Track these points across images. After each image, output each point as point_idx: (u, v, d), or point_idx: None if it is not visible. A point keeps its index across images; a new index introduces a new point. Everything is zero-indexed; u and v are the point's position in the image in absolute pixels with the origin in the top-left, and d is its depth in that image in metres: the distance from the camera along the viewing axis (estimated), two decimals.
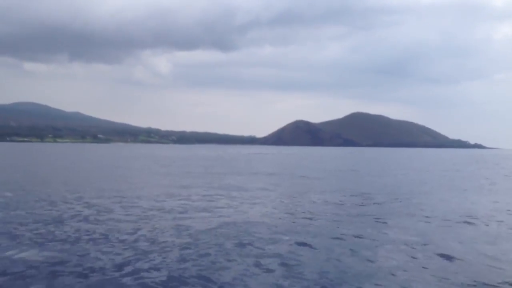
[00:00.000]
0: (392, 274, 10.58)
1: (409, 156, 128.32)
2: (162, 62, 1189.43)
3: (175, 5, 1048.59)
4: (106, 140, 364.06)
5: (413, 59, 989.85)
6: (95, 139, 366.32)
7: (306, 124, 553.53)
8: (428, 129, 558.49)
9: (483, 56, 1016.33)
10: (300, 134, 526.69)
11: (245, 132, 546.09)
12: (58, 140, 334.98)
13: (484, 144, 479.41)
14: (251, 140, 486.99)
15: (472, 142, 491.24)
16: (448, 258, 12.08)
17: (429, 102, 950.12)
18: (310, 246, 13.07)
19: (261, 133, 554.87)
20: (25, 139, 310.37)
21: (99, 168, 51.26)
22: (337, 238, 14.26)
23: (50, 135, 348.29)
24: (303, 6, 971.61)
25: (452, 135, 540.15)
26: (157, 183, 32.18)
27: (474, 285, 10.01)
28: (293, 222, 16.92)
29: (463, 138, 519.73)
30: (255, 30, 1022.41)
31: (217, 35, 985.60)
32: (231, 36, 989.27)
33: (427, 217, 18.59)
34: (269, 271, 10.70)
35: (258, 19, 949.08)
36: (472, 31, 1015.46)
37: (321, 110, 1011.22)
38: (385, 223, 17.11)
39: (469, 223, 17.55)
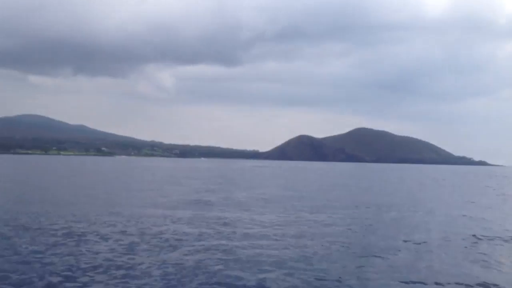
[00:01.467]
0: None
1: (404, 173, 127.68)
2: (166, 76, 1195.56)
3: (180, 20, 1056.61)
4: (110, 153, 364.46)
5: (417, 75, 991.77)
6: (98, 152, 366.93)
7: (310, 139, 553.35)
8: (432, 145, 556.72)
9: (487, 73, 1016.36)
10: (304, 148, 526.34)
11: (249, 147, 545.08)
12: (62, 152, 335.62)
13: (488, 161, 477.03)
14: (255, 155, 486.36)
15: (476, 159, 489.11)
16: None
17: (433, 119, 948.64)
18: None
19: (264, 148, 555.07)
20: (29, 151, 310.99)
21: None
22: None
23: (54, 148, 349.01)
24: (307, 22, 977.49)
25: (456, 151, 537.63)
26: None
27: None
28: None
29: (468, 155, 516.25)
30: (259, 45, 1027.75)
31: (221, 50, 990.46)
32: (235, 51, 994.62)
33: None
34: None
35: (262, 35, 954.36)
36: (476, 48, 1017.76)
37: (325, 125, 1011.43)
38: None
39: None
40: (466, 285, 12.08)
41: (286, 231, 19.41)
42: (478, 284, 12.16)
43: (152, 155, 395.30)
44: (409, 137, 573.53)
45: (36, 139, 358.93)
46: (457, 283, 12.20)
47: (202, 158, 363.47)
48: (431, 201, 37.01)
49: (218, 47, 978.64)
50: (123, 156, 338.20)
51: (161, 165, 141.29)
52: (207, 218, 22.43)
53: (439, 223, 23.15)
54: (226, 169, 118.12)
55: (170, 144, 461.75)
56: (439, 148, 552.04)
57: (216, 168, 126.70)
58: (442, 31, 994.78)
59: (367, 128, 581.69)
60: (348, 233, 19.51)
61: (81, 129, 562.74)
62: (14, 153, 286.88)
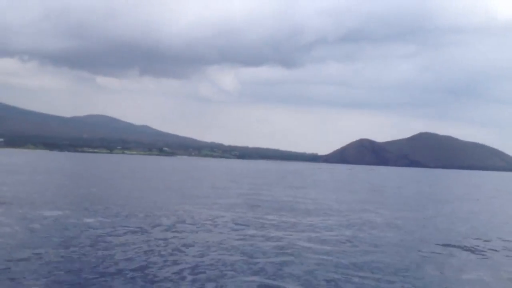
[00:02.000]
0: None
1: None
2: (228, 78, 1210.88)
3: (243, 24, 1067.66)
4: (171, 153, 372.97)
5: (485, 79, 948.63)
6: (161, 152, 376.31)
7: (371, 143, 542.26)
8: (501, 152, 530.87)
9: None
10: (364, 153, 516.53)
11: (308, 149, 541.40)
12: (126, 152, 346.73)
13: None
14: (313, 158, 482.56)
15: None
16: None
17: (501, 124, 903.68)
18: None
19: (323, 151, 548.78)
20: (95, 150, 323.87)
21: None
22: None
23: (119, 147, 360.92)
24: (371, 24, 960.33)
25: None
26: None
27: None
28: None
29: None
30: (321, 48, 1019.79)
31: (283, 52, 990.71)
32: (297, 53, 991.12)
33: None
34: None
35: (325, 37, 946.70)
36: None
37: (386, 129, 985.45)
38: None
39: None
40: None
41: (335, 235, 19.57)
42: None
43: (212, 156, 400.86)
44: (475, 142, 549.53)
45: (102, 138, 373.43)
46: None
47: (260, 160, 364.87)
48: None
49: (280, 50, 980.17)
50: (184, 157, 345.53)
51: (221, 165, 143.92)
52: (252, 216, 22.92)
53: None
54: (281, 170, 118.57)
55: (229, 146, 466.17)
56: (507, 155, 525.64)
57: (271, 169, 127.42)
58: None
59: (431, 133, 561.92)
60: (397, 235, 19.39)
61: (145, 129, 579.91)
62: (81, 152, 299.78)
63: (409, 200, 39.91)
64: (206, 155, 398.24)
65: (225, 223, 20.44)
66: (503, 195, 55.25)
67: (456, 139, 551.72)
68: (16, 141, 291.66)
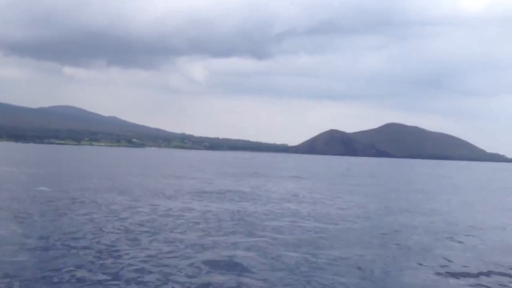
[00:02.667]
0: None
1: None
2: (198, 68, 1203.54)
3: (214, 14, 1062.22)
4: (140, 145, 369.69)
5: (451, 71, 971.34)
6: (129, 143, 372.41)
7: (340, 134, 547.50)
8: (465, 142, 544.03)
9: None
10: (334, 143, 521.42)
11: (278, 140, 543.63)
12: (93, 143, 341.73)
13: None
14: (284, 149, 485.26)
15: (510, 156, 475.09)
16: None
17: (466, 115, 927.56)
18: None
19: (294, 142, 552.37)
20: (62, 141, 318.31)
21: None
22: None
23: (86, 139, 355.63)
24: (341, 16, 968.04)
25: (489, 148, 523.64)
26: None
27: None
28: None
29: (501, 152, 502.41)
30: (292, 39, 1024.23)
31: (253, 43, 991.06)
32: (267, 44, 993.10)
33: None
34: None
35: (296, 29, 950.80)
36: None
37: (355, 120, 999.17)
38: None
39: None
40: None
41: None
42: None
43: (182, 147, 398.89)
44: (441, 133, 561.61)
45: (69, 130, 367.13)
46: None
47: (229, 151, 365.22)
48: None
49: (251, 40, 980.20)
50: (153, 148, 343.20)
51: (183, 156, 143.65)
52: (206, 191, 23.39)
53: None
54: (245, 160, 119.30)
55: (200, 137, 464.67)
56: (472, 145, 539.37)
57: (236, 158, 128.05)
58: (480, 27, 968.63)
59: (398, 124, 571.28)
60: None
61: (113, 120, 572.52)
62: (48, 143, 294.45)
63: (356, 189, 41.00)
64: (176, 147, 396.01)
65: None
66: (460, 188, 57.14)
67: (423, 130, 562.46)
68: None
